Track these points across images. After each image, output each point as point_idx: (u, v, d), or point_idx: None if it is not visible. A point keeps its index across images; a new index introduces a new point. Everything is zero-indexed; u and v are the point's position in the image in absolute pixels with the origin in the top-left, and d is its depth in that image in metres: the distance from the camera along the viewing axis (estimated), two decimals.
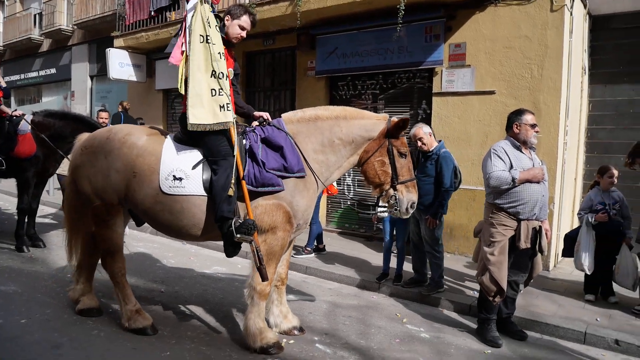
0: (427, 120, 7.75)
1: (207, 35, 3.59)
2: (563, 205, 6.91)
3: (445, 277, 5.94)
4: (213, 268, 6.42)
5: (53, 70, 17.17)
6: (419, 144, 5.37)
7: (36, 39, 17.49)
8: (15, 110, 6.66)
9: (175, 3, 10.24)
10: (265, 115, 4.04)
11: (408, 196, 3.89)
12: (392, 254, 6.00)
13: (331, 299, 5.46)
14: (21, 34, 17.83)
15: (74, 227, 4.41)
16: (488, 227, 4.40)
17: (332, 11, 7.83)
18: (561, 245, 6.14)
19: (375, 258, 6.84)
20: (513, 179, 4.14)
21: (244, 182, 3.66)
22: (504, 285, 4.25)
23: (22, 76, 18.68)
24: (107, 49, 11.71)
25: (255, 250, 3.62)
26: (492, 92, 7.01)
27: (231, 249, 3.75)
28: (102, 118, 8.40)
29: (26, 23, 17.88)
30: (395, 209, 3.91)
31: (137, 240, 7.77)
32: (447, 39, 7.40)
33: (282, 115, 4.06)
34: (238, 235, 3.55)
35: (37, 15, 17.68)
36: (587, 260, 5.28)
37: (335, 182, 7.13)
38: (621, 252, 5.28)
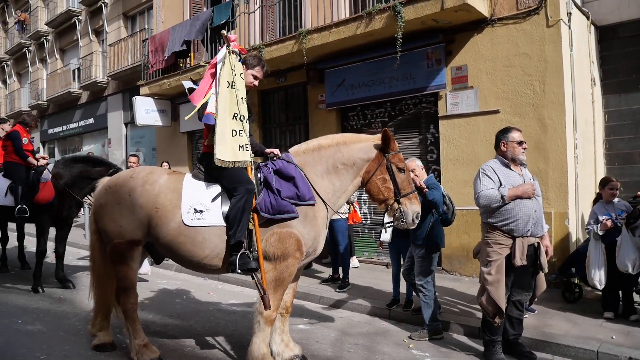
0: (436, 144, 7.79)
1: (232, 82, 3.93)
2: (580, 221, 6.74)
3: (457, 300, 5.90)
4: (230, 302, 6.57)
5: (91, 120, 18.19)
6: (412, 175, 5.34)
7: (75, 92, 18.66)
8: (39, 160, 7.11)
9: (189, 49, 10.80)
10: (276, 151, 4.29)
11: (412, 207, 4.03)
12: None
13: (341, 327, 5.49)
14: (62, 88, 19.07)
15: (98, 266, 4.61)
16: (484, 247, 4.39)
17: (335, 45, 8.11)
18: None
19: (391, 285, 6.82)
20: (502, 197, 4.14)
21: (255, 215, 3.87)
22: (503, 305, 4.19)
23: (64, 127, 19.86)
24: (134, 97, 12.39)
25: (258, 282, 3.84)
26: (496, 112, 7.02)
27: (231, 268, 3.92)
28: (131, 162, 8.88)
29: (66, 78, 19.14)
30: (402, 221, 4.04)
31: (161, 277, 8.05)
32: (449, 62, 7.52)
33: (290, 149, 4.30)
34: (239, 271, 3.79)
35: (75, 70, 18.92)
36: (597, 274, 5.12)
37: (358, 210, 7.23)
38: (622, 235, 5.03)
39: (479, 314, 5.47)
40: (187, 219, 3.92)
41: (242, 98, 3.97)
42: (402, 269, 5.70)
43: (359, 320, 5.81)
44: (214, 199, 3.98)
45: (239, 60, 4.09)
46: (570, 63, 6.60)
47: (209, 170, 3.98)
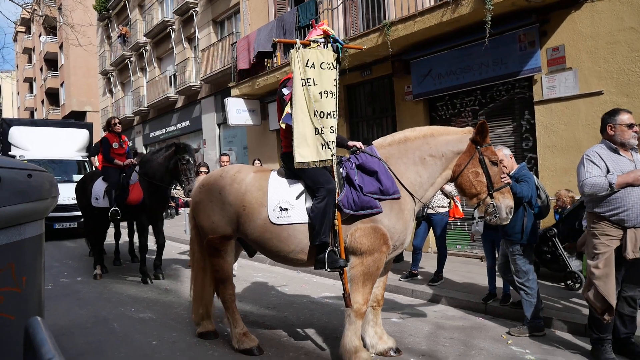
0: (532, 131, 7.40)
1: (307, 78, 3.89)
2: None
3: (560, 295, 5.55)
4: (322, 294, 6.70)
5: (187, 123, 19.32)
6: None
7: (172, 97, 19.92)
8: (128, 161, 7.70)
9: (274, 49, 11.08)
10: (358, 144, 4.29)
11: (505, 202, 3.91)
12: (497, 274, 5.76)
13: (435, 321, 5.40)
14: (160, 94, 20.45)
15: (197, 259, 4.93)
16: (591, 239, 4.10)
17: (420, 35, 7.94)
18: None
19: (486, 279, 6.59)
20: (610, 184, 3.84)
21: (338, 213, 3.91)
22: (612, 301, 3.89)
23: (163, 131, 21.28)
24: (225, 99, 12.99)
25: (343, 281, 3.92)
26: (599, 93, 6.52)
27: (320, 266, 4.01)
28: (223, 162, 9.36)
29: (164, 84, 20.49)
30: (495, 216, 3.92)
31: (257, 270, 8.39)
32: (543, 44, 7.09)
33: (374, 142, 4.27)
34: (328, 269, 3.88)
35: (172, 77, 20.18)
36: None
37: (459, 206, 7.02)
38: None
39: (585, 310, 5.15)
40: (273, 217, 4.04)
41: (322, 92, 3.88)
42: (497, 265, 5.47)
43: (453, 314, 5.68)
44: (298, 197, 4.06)
45: (332, 42, 3.99)
46: None
47: (292, 168, 4.03)
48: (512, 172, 5.00)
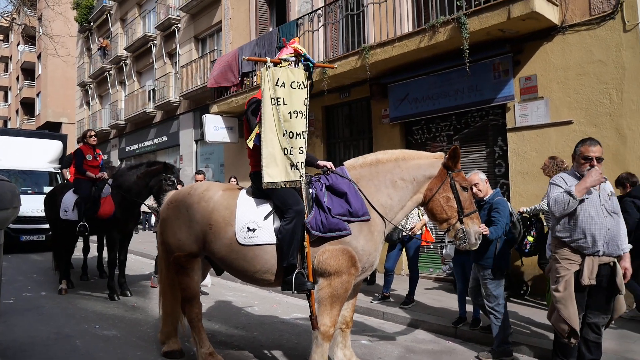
0: (504, 157, 7.54)
1: (276, 98, 3.85)
2: None
3: (528, 321, 5.59)
4: (293, 315, 6.62)
5: (165, 138, 19.15)
6: (475, 189, 5.04)
7: (150, 112, 19.76)
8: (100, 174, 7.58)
9: (255, 67, 11.15)
10: (329, 164, 4.27)
11: (474, 228, 3.95)
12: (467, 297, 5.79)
13: (405, 344, 5.38)
14: (138, 109, 20.27)
15: (165, 276, 4.82)
16: (553, 264, 4.15)
17: (398, 60, 8.09)
18: None
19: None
20: (570, 194, 3.82)
21: (307, 235, 3.88)
22: (575, 323, 3.92)
23: (140, 145, 21.04)
24: (203, 116, 12.94)
25: (310, 303, 3.88)
26: (569, 122, 6.71)
27: (287, 287, 3.96)
28: (197, 179, 9.31)
29: (142, 98, 20.32)
30: (464, 242, 3.94)
31: (228, 289, 8.26)
32: (517, 73, 7.29)
33: (345, 162, 4.26)
34: (295, 292, 3.84)
35: (151, 91, 20.05)
36: None
37: (431, 231, 7.03)
38: None
39: (552, 336, 5.19)
40: (240, 237, 3.99)
41: (292, 112, 3.86)
42: (468, 289, 5.51)
43: (423, 337, 5.67)
44: (266, 217, 4.02)
45: (303, 61, 3.97)
46: None
47: (260, 187, 3.98)
48: (487, 197, 5.07)
